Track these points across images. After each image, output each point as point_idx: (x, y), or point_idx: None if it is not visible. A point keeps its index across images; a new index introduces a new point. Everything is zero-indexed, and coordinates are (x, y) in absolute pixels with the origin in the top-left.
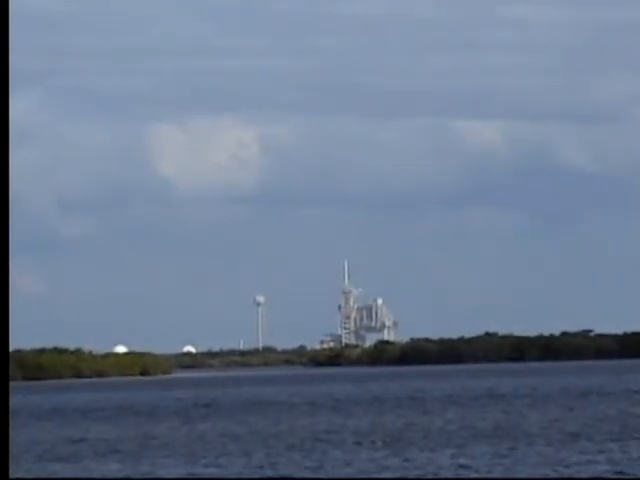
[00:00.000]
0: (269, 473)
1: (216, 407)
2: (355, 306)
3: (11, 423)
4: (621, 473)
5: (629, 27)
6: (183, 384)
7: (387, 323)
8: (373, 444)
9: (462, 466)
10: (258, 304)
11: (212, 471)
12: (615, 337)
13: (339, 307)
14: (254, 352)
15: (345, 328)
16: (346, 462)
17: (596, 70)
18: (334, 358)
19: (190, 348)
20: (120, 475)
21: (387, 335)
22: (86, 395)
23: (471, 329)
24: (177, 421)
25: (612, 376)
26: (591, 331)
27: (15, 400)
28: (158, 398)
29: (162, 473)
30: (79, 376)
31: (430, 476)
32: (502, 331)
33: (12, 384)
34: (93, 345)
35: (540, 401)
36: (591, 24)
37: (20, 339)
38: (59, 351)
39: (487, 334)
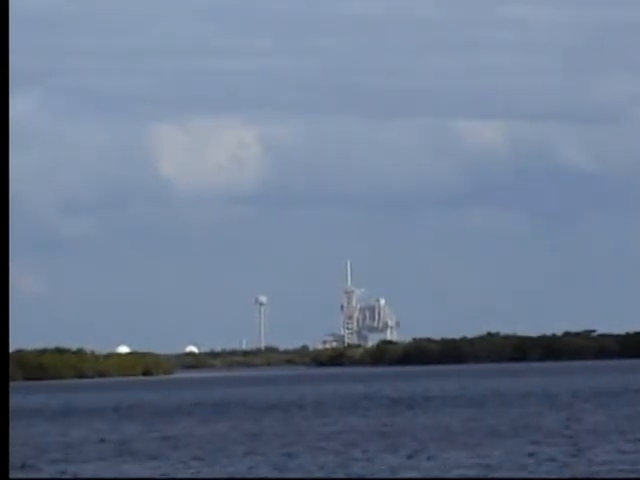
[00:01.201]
0: (341, 473)
1: (247, 406)
2: (357, 306)
3: (44, 422)
4: None
5: (629, 27)
6: (193, 384)
7: (389, 323)
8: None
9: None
10: (260, 304)
11: (264, 471)
12: (617, 337)
13: (341, 307)
14: (256, 352)
15: (347, 328)
16: (426, 460)
17: (596, 70)
18: (336, 358)
19: (192, 348)
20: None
21: (389, 335)
22: (100, 395)
23: (473, 329)
24: (220, 420)
25: (633, 375)
26: (593, 331)
27: (38, 400)
28: (179, 398)
29: (229, 473)
30: (81, 376)
31: (439, 476)
32: (504, 331)
33: (13, 384)
34: (95, 345)
35: (585, 400)
36: (591, 24)
37: (21, 339)
38: (60, 351)
39: (489, 334)
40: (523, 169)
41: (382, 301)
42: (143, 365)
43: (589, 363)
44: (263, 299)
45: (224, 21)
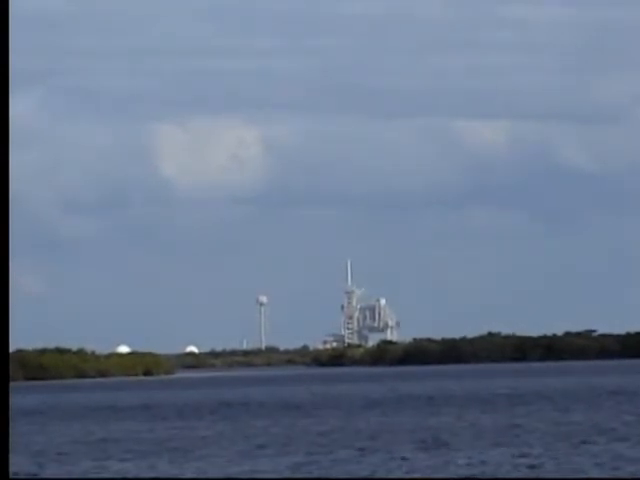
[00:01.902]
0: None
1: (270, 405)
2: (358, 306)
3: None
4: None
5: (629, 27)
6: (202, 384)
7: (390, 323)
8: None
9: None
10: (261, 304)
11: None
12: (617, 337)
13: (342, 307)
14: (257, 352)
15: (348, 328)
16: (467, 459)
17: (596, 70)
18: (337, 358)
19: (193, 348)
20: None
21: (390, 335)
22: (113, 395)
23: (473, 329)
24: (248, 419)
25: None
26: (594, 331)
27: (54, 399)
28: (193, 398)
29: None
30: (81, 376)
31: (441, 476)
32: (504, 331)
33: (14, 384)
34: (95, 345)
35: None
36: (591, 24)
37: (22, 339)
38: (61, 351)
39: (489, 334)
40: (523, 169)
41: (382, 301)
42: (143, 365)
43: (590, 363)
44: (263, 299)
45: (224, 21)
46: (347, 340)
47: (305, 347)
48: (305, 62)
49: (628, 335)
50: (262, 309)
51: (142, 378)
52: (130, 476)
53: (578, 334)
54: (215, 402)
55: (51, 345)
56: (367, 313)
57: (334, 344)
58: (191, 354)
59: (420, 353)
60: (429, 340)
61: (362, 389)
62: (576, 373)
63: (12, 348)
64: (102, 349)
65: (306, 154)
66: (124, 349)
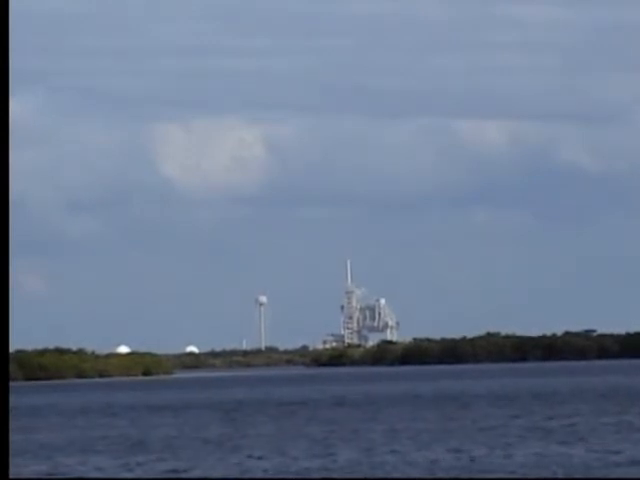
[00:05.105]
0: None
1: (309, 404)
2: (358, 306)
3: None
4: None
5: (629, 27)
6: (211, 384)
7: (389, 323)
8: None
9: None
10: (260, 304)
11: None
12: (617, 337)
13: (342, 307)
14: (257, 352)
15: (348, 328)
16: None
17: (596, 70)
18: (336, 358)
19: (192, 348)
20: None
21: (389, 335)
22: (128, 394)
23: (473, 329)
24: (283, 419)
25: None
26: (593, 331)
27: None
28: (220, 397)
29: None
30: (81, 376)
31: (436, 475)
32: (504, 331)
33: (14, 385)
34: (95, 345)
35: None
36: (591, 24)
37: (22, 340)
38: (61, 351)
39: (489, 334)
40: (523, 169)
41: (382, 301)
42: (143, 365)
43: (590, 363)
44: (263, 299)
45: (224, 21)
46: (347, 340)
47: (305, 347)
48: (305, 62)
49: (628, 335)
50: (262, 309)
51: (141, 378)
52: (144, 476)
53: (577, 334)
54: (235, 402)
55: (51, 345)
56: (367, 313)
57: (334, 344)
58: (191, 354)
59: (420, 353)
60: (429, 340)
61: (384, 389)
62: (587, 374)
63: (12, 348)
64: (102, 349)
65: (308, 154)
66: (124, 349)
